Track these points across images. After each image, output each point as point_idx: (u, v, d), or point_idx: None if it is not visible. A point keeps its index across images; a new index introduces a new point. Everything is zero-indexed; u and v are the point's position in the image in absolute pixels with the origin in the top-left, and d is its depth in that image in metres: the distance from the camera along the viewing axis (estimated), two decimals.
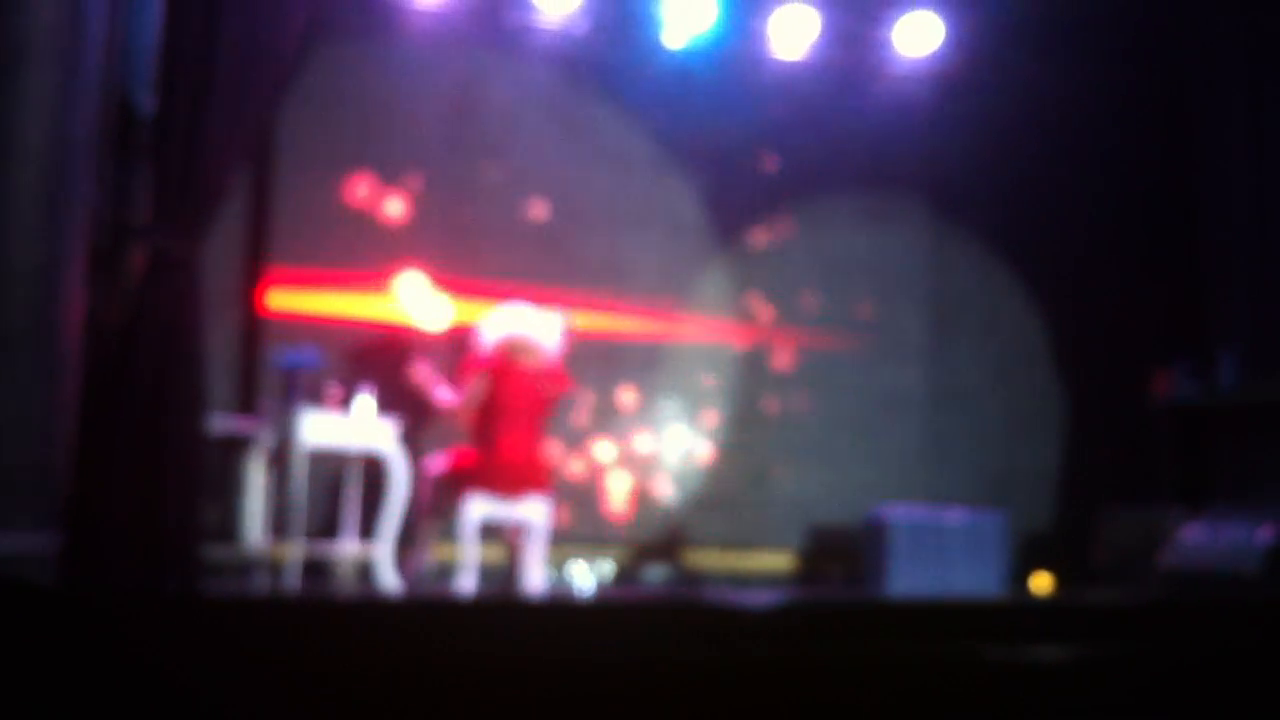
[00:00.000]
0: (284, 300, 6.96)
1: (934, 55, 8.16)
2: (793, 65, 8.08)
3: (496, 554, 6.46)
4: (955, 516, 7.07)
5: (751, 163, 8.04)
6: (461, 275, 7.31)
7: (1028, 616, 4.49)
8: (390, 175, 7.28)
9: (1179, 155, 8.08)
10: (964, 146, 8.18)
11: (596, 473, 7.52)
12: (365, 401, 6.22)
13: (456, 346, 6.86)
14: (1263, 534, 5.99)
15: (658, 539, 7.56)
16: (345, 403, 6.24)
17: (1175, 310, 8.02)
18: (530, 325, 6.35)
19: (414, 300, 7.12)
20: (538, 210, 7.60)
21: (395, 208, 7.26)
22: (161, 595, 4.77)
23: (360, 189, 7.19)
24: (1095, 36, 8.02)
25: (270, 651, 3.63)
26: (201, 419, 5.19)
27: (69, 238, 4.93)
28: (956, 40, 8.13)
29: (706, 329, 7.93)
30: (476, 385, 6.17)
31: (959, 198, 8.30)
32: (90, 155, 5.05)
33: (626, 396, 7.65)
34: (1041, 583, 7.31)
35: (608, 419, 7.60)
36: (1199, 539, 6.48)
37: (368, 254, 7.18)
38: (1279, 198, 7.23)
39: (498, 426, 6.14)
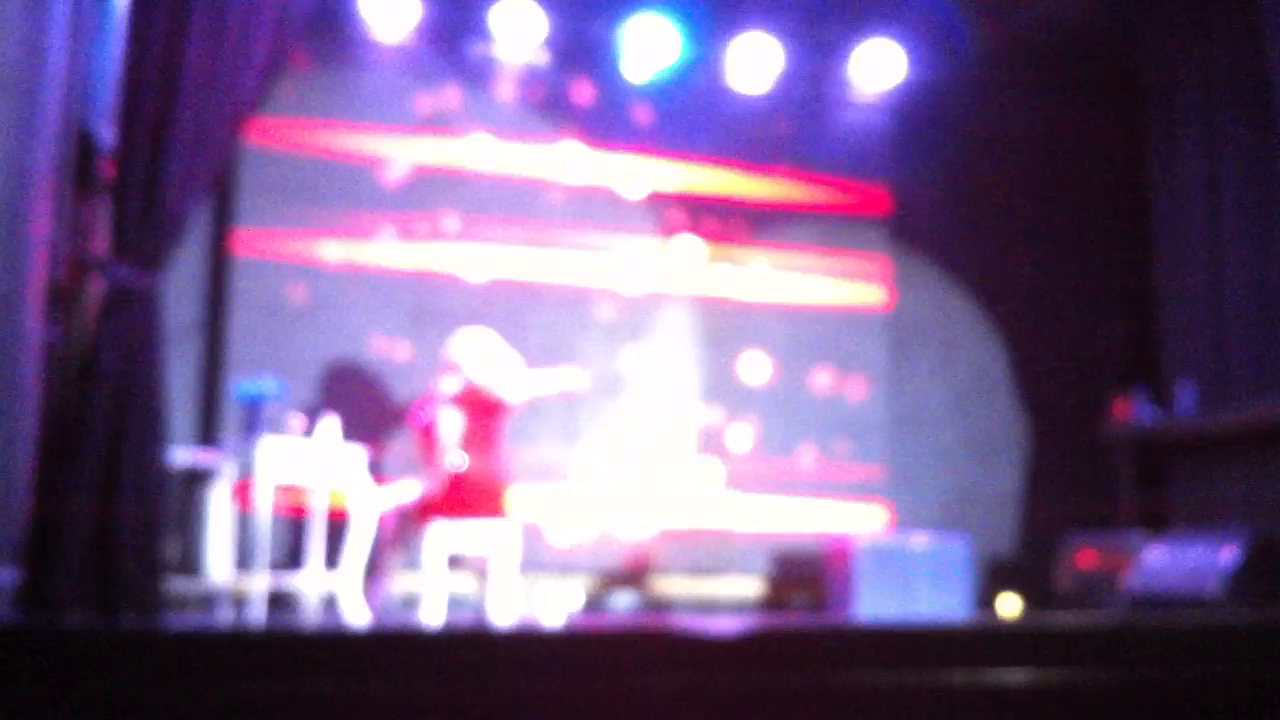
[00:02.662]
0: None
1: (894, 87, 8.25)
2: (755, 97, 8.14)
3: (462, 584, 6.43)
4: (920, 541, 7.10)
5: (714, 195, 8.09)
6: (426, 304, 7.31)
7: (995, 640, 4.49)
8: (351, 205, 7.27)
9: (1137, 185, 8.17)
10: (923, 176, 8.26)
11: (559, 501, 7.52)
12: (328, 427, 6.18)
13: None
14: (1226, 555, 6.03)
15: (623, 566, 7.55)
16: (309, 431, 6.20)
17: (1133, 338, 8.10)
18: (484, 350, 6.31)
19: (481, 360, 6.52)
20: (502, 240, 7.61)
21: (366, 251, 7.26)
22: (122, 630, 4.71)
23: (322, 222, 7.18)
24: (1054, 70, 8.12)
25: (234, 685, 3.59)
26: (162, 451, 5.14)
27: (27, 270, 4.89)
28: (916, 72, 8.22)
29: (669, 348, 7.97)
30: (455, 417, 6.14)
31: (918, 226, 8.37)
32: (49, 187, 5.01)
33: (590, 426, 7.66)
34: (1008, 606, 7.34)
35: (571, 445, 7.60)
36: (1161, 562, 6.53)
37: (331, 287, 7.17)
38: (1235, 228, 7.31)
39: (456, 453, 6.13)
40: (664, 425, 7.85)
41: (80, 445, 4.83)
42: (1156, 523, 7.31)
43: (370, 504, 6.12)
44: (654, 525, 7.68)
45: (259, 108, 5.52)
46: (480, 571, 6.26)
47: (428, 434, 6.20)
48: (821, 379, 8.15)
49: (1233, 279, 7.33)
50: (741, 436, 7.97)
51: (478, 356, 6.26)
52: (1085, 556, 7.06)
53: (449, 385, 6.19)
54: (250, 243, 7.08)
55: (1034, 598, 7.41)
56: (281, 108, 6.90)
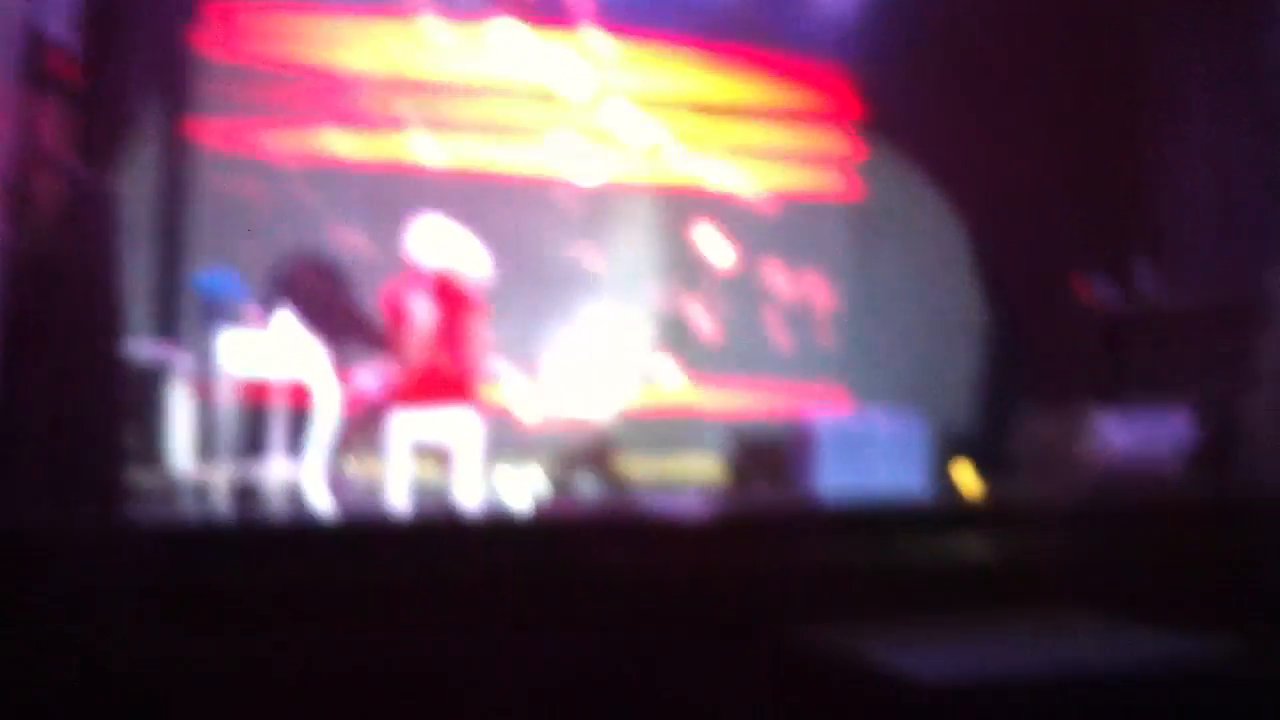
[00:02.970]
0: None
1: None
2: None
3: (426, 470, 6.45)
4: (879, 419, 7.15)
5: (679, 77, 8.02)
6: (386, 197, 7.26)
7: (955, 514, 4.57)
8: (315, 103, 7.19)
9: (1103, 60, 8.10)
10: (887, 57, 8.17)
11: (522, 385, 7.54)
12: (285, 319, 6.13)
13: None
14: (1179, 425, 6.13)
15: (586, 449, 7.57)
16: (265, 323, 6.15)
17: (1095, 218, 8.09)
18: (457, 244, 6.28)
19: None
20: (463, 134, 7.55)
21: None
22: (85, 522, 4.72)
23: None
24: None
25: (201, 577, 3.61)
26: (118, 344, 5.11)
27: None
28: None
29: (632, 229, 7.98)
30: (414, 307, 6.11)
31: (882, 103, 8.31)
32: (3, 86, 4.91)
33: (554, 305, 7.67)
34: (965, 475, 7.42)
35: (536, 331, 7.61)
36: (1116, 434, 6.62)
37: (292, 180, 7.10)
38: (1204, 109, 7.30)
39: (422, 340, 6.11)
40: (624, 313, 7.85)
41: (39, 341, 4.79)
42: (1113, 396, 7.39)
43: (332, 393, 6.10)
44: (615, 406, 7.72)
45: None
46: (444, 458, 6.27)
47: (396, 322, 6.17)
48: (783, 261, 8.15)
49: (1196, 162, 7.34)
50: (702, 319, 7.98)
51: (440, 245, 6.22)
52: (1043, 428, 7.15)
53: (418, 273, 6.15)
54: (207, 135, 6.98)
55: (993, 472, 7.50)
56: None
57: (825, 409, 7.80)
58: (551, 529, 4.02)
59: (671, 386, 7.87)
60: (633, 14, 7.86)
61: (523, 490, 7.12)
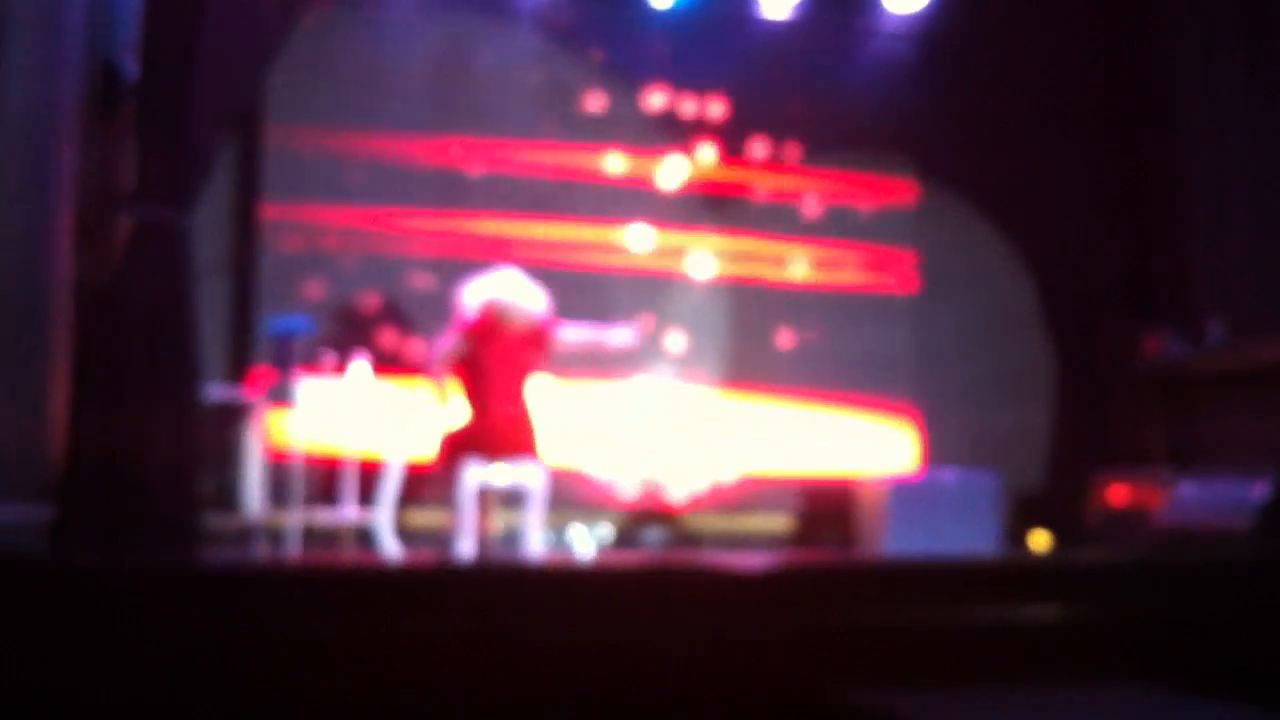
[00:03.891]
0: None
1: (921, 14, 8.14)
2: (779, 24, 8.05)
3: (495, 520, 6.47)
4: (948, 477, 7.09)
5: (739, 122, 8.04)
6: (451, 239, 7.32)
7: (1024, 576, 4.48)
8: (376, 139, 7.27)
9: (1172, 115, 8.03)
10: (951, 106, 8.15)
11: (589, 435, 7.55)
12: (360, 367, 6.20)
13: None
14: (1257, 491, 6.00)
15: (654, 504, 7.58)
16: (340, 369, 6.22)
17: (1163, 273, 7.99)
18: (515, 290, 6.25)
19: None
20: (525, 172, 7.60)
21: (380, 174, 7.26)
22: (157, 565, 4.77)
23: (348, 150, 7.18)
24: None
25: (270, 620, 3.63)
26: (195, 388, 5.17)
27: (55, 207, 4.89)
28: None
29: (695, 288, 7.97)
30: (454, 346, 6.09)
31: (945, 157, 8.28)
32: (75, 123, 5.00)
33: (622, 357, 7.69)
34: (1039, 542, 7.33)
35: (602, 381, 7.63)
36: (1192, 497, 6.50)
37: (357, 221, 7.18)
38: (1268, 161, 7.20)
39: (487, 391, 6.10)
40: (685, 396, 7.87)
41: (112, 382, 4.86)
42: (1186, 458, 7.27)
43: (402, 441, 6.14)
44: (686, 483, 7.70)
45: (284, 42, 5.48)
46: (512, 507, 6.28)
47: (462, 370, 6.18)
48: (849, 314, 8.12)
49: (1265, 215, 7.23)
50: (769, 379, 7.98)
51: (510, 293, 6.21)
52: (1116, 492, 7.04)
53: (480, 322, 6.15)
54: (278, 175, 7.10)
55: (1063, 534, 7.40)
56: (306, 38, 6.85)
57: (894, 466, 7.74)
58: (614, 578, 3.99)
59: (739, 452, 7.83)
60: (698, 64, 7.93)
61: (591, 541, 7.12)
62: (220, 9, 5.11)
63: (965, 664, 3.79)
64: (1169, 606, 4.06)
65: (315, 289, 7.05)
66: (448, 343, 6.07)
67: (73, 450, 4.82)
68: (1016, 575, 4.84)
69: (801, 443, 7.88)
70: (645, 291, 7.80)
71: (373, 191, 7.26)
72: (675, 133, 7.95)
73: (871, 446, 7.93)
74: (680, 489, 7.67)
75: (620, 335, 6.48)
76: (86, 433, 4.82)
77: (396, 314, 7.28)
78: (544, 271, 6.56)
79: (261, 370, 6.21)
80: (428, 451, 6.17)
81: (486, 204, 7.51)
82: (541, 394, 6.23)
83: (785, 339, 8.07)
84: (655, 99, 7.92)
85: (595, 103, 7.80)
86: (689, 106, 7.98)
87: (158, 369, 4.96)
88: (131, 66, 5.16)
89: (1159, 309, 7.81)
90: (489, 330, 6.08)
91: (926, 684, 3.57)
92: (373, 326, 7.14)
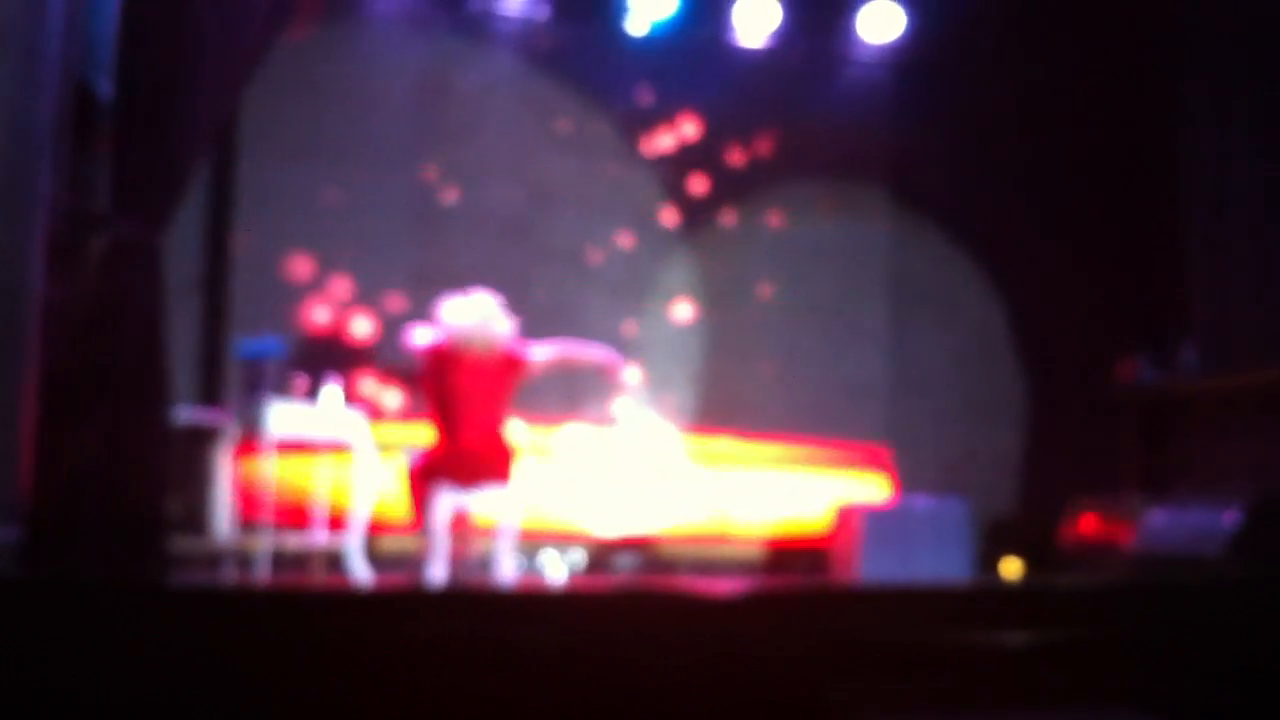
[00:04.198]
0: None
1: (896, 43, 8.19)
2: (755, 52, 8.10)
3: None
4: (921, 503, 7.10)
5: (714, 148, 8.07)
6: (427, 262, 7.31)
7: (996, 601, 4.50)
8: (354, 161, 7.26)
9: (1141, 144, 8.10)
10: (925, 134, 8.21)
11: (559, 459, 7.53)
12: (332, 392, 6.18)
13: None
14: (1228, 518, 6.03)
15: (627, 531, 7.56)
16: (311, 393, 6.19)
17: (1138, 299, 8.04)
18: (484, 315, 6.20)
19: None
20: (502, 195, 7.61)
21: (361, 195, 7.24)
22: (126, 586, 4.72)
23: (322, 175, 7.17)
24: (1054, 25, 8.04)
25: (238, 643, 3.60)
26: (165, 409, 5.13)
27: (28, 225, 4.86)
28: (917, 28, 8.15)
29: (672, 312, 7.97)
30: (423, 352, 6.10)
31: (920, 184, 8.33)
32: (49, 142, 4.97)
33: (590, 382, 7.67)
34: (1011, 569, 7.35)
35: (574, 407, 7.61)
36: (1163, 524, 6.52)
37: (333, 241, 7.16)
38: (1245, 187, 7.26)
39: (455, 417, 6.07)
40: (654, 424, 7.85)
41: (82, 403, 4.82)
42: (1159, 485, 7.30)
43: (373, 466, 6.12)
44: (655, 519, 7.68)
45: (263, 63, 5.47)
46: (483, 531, 6.26)
47: (434, 394, 6.16)
48: (822, 340, 8.14)
49: (1238, 242, 7.29)
50: (747, 398, 7.97)
51: (476, 319, 6.17)
52: (1087, 521, 7.06)
53: (455, 346, 6.13)
54: (252, 197, 7.08)
55: (1036, 560, 7.42)
56: (283, 59, 6.84)
57: (866, 493, 7.75)
58: (584, 602, 3.98)
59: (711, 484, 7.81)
60: (675, 89, 7.97)
61: (563, 567, 7.10)
62: (198, 30, 5.09)
63: (939, 689, 3.79)
64: (1139, 631, 4.07)
65: (288, 311, 7.03)
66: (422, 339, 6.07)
67: (40, 470, 4.77)
68: (988, 601, 4.84)
69: (770, 494, 7.88)
70: (618, 315, 7.80)
71: (348, 213, 7.24)
72: (650, 155, 7.97)
73: (845, 473, 7.93)
74: (650, 524, 7.65)
75: (597, 352, 6.47)
76: (55, 452, 4.77)
77: (370, 339, 7.27)
78: (518, 295, 6.56)
79: (300, 380, 6.20)
80: (397, 480, 6.15)
81: (463, 225, 7.51)
82: (515, 436, 6.23)
83: (762, 366, 8.08)
84: (632, 123, 7.94)
85: (573, 125, 7.82)
86: (664, 130, 8.01)
87: (128, 388, 4.92)
88: (106, 86, 5.14)
89: (1132, 335, 7.85)
90: (452, 357, 6.05)
91: (900, 708, 3.57)
92: (346, 351, 7.12)
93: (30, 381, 4.84)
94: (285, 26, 6.60)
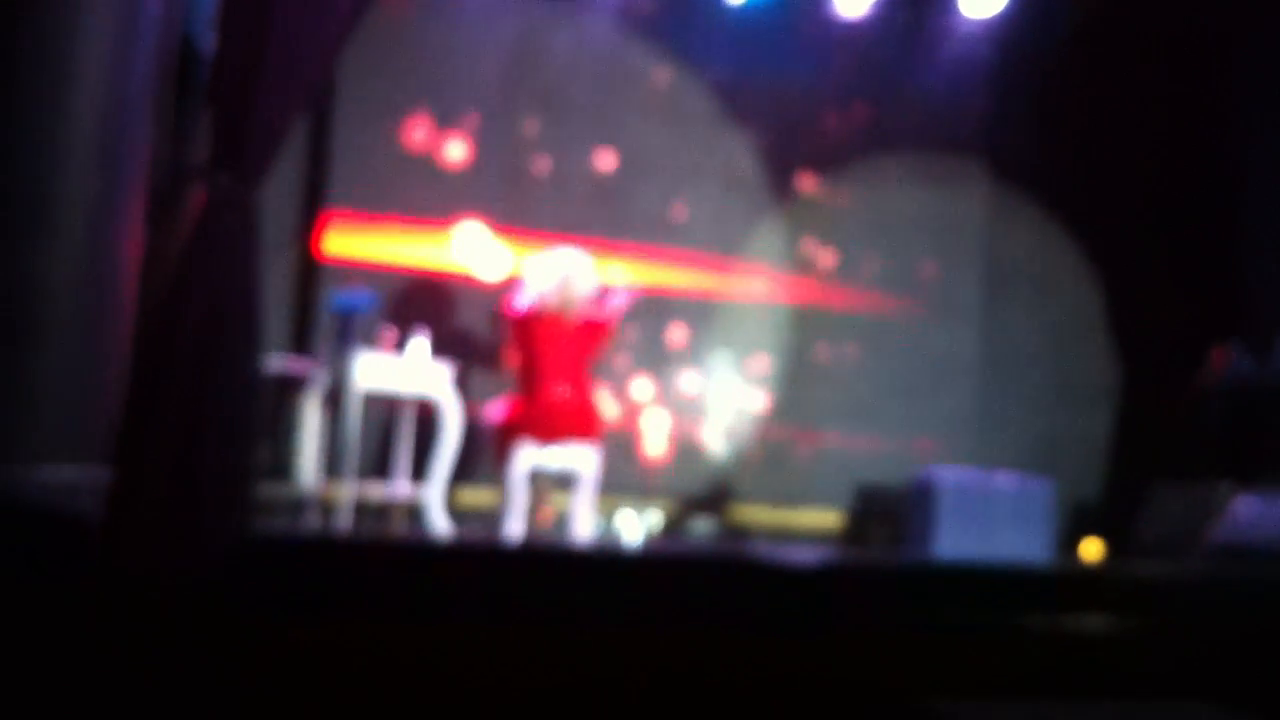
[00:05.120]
0: (341, 244, 7.03)
1: (996, 17, 8.06)
2: (854, 21, 8.00)
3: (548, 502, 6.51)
4: (1004, 481, 7.02)
5: (810, 119, 7.99)
6: (516, 224, 7.34)
7: (1076, 585, 4.45)
8: (448, 122, 7.31)
9: (1240, 129, 7.90)
10: (1024, 110, 8.07)
11: (641, 420, 7.56)
12: (419, 344, 6.24)
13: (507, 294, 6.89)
14: None
15: (704, 492, 7.57)
16: (399, 345, 6.27)
17: (1233, 287, 7.88)
18: (572, 271, 6.31)
19: (473, 249, 7.16)
20: (595, 162, 7.60)
21: (454, 153, 7.29)
22: (211, 531, 4.81)
23: (418, 134, 7.23)
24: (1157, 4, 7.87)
25: (320, 591, 3.67)
26: (257, 358, 5.21)
27: (127, 175, 4.95)
28: (1019, 4, 8.00)
29: (760, 283, 7.92)
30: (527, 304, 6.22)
31: (1018, 161, 8.20)
32: (149, 93, 5.04)
33: (677, 345, 7.66)
34: (1091, 550, 7.25)
35: (657, 369, 7.63)
36: (1250, 514, 6.40)
37: (425, 199, 7.22)
38: None
39: (541, 374, 6.16)
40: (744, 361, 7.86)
41: (175, 349, 4.90)
42: (1248, 475, 7.16)
43: (457, 418, 6.18)
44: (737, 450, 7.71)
45: (360, 24, 5.50)
46: (562, 489, 6.32)
47: (523, 351, 6.25)
48: (913, 315, 8.06)
49: None
50: (834, 369, 7.94)
51: (562, 277, 6.27)
52: (1173, 503, 6.93)
53: (546, 303, 6.22)
54: (346, 155, 7.15)
55: (1118, 545, 7.31)
56: (380, 20, 6.89)
57: (949, 466, 7.69)
58: (659, 566, 4.00)
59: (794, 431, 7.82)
60: (772, 60, 7.89)
61: (639, 528, 7.13)
62: None
63: (1011, 673, 3.75)
64: (1222, 621, 4.00)
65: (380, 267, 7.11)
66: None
67: (131, 412, 4.87)
68: (1068, 584, 4.79)
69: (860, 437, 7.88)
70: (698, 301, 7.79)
71: (439, 173, 7.30)
72: (743, 124, 7.91)
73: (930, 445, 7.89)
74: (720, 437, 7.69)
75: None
76: (146, 396, 4.86)
77: (458, 292, 7.33)
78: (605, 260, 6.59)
79: (388, 332, 6.29)
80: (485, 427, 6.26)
81: (553, 190, 7.53)
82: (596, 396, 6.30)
83: (849, 337, 8.04)
84: (726, 90, 7.88)
85: (667, 92, 7.79)
86: (759, 98, 7.93)
87: (221, 337, 4.99)
88: (207, 38, 5.20)
89: (1226, 323, 7.69)
90: (535, 314, 6.18)
91: (969, 693, 3.55)
92: (433, 305, 7.19)
93: (124, 326, 4.95)
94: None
